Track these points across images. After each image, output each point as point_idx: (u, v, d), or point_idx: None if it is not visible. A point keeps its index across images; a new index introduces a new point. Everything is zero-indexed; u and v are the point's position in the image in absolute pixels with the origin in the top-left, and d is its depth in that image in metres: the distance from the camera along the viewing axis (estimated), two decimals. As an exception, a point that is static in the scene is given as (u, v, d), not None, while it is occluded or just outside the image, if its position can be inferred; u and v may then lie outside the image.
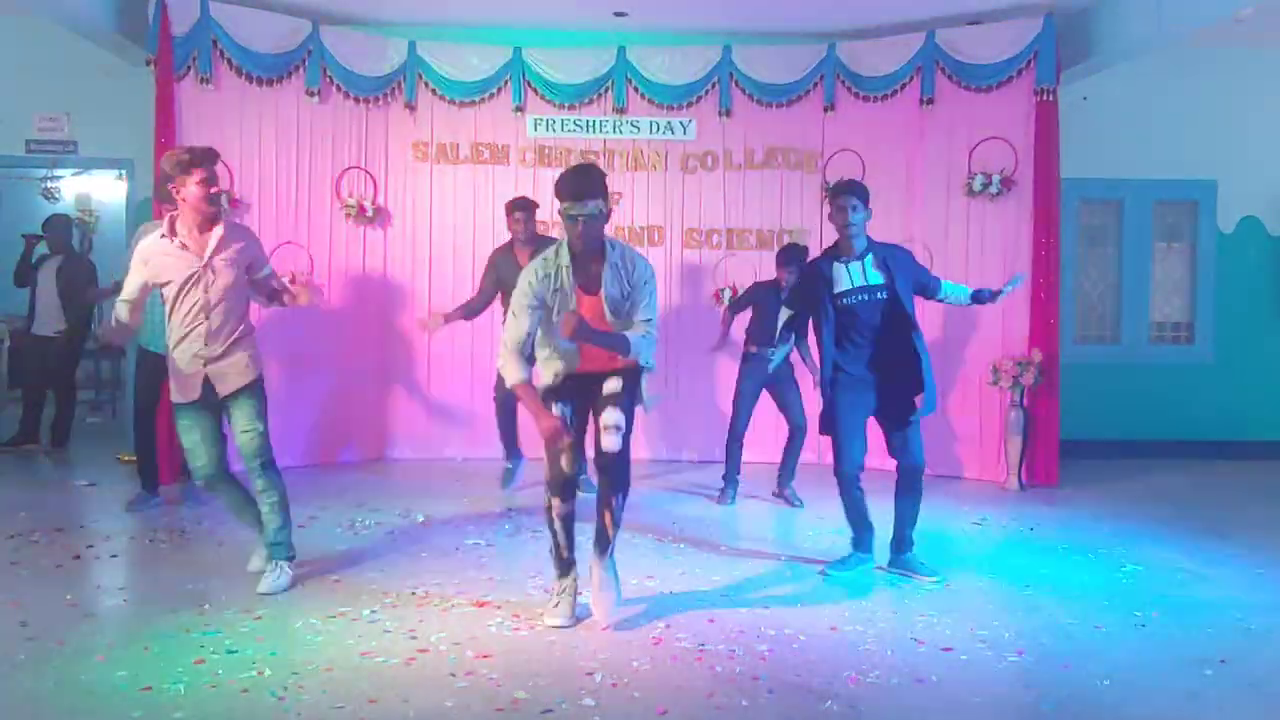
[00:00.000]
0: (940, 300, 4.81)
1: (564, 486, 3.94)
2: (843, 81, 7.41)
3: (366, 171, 7.41)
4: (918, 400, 4.58)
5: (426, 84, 7.43)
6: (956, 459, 7.19)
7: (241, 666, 3.49)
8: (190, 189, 4.16)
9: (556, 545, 4.04)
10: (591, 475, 4.36)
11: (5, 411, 8.74)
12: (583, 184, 3.76)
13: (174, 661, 3.52)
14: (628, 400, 3.95)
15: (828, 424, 4.69)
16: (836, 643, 3.86)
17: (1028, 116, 6.98)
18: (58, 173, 10.00)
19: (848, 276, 4.60)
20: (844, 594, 4.49)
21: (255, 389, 4.36)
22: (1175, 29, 6.34)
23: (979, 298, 4.81)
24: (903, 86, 7.26)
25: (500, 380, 6.16)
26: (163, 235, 4.22)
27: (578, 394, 3.99)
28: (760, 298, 6.17)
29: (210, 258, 4.22)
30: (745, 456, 6.29)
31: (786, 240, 7.40)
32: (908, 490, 4.70)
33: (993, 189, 7.05)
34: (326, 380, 7.28)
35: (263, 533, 4.46)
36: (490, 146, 7.53)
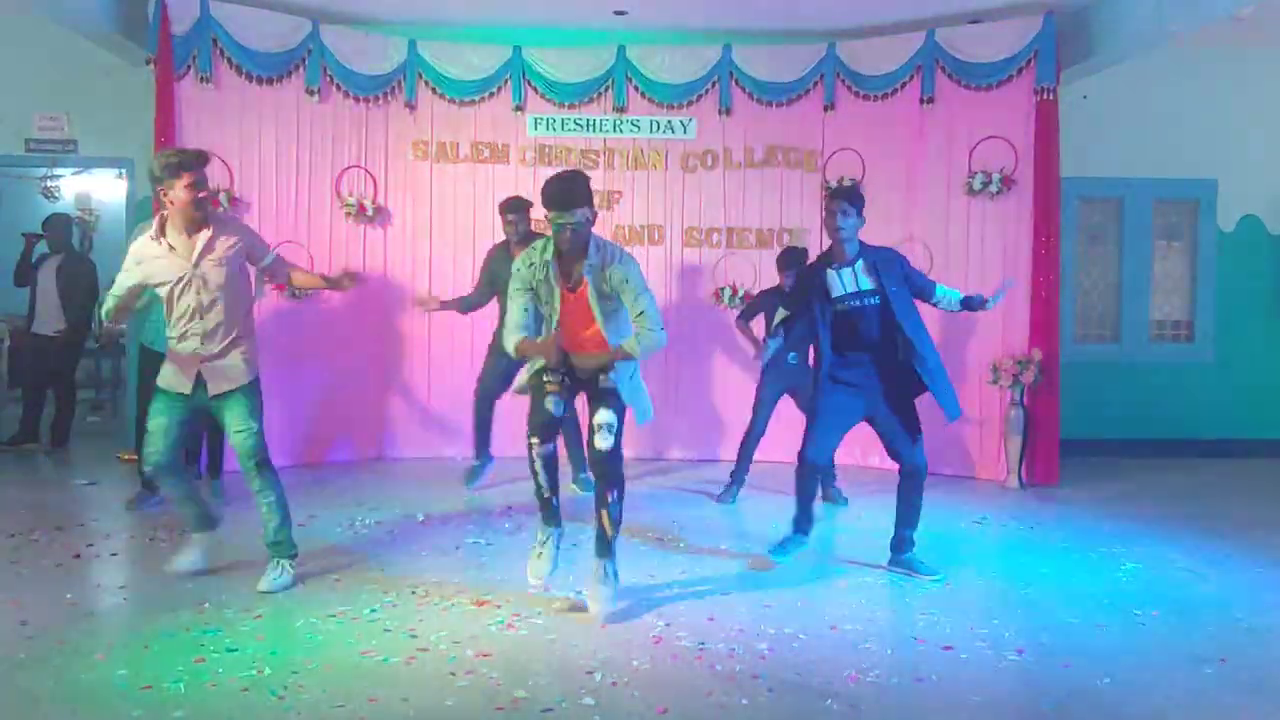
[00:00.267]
0: (935, 304, 4.79)
1: (544, 427, 4.09)
2: (843, 80, 7.40)
3: (366, 170, 7.40)
4: (917, 401, 4.61)
5: (426, 83, 7.43)
6: (957, 458, 7.18)
7: (242, 665, 3.49)
8: (178, 193, 4.10)
9: (539, 486, 4.18)
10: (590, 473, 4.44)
11: (5, 410, 8.74)
12: (569, 195, 3.92)
13: (174, 660, 3.53)
14: (618, 400, 4.09)
15: (810, 413, 4.79)
16: (836, 641, 3.86)
17: (1028, 115, 6.98)
18: (58, 172, 10.02)
19: (840, 282, 4.63)
20: (844, 593, 4.50)
21: (249, 389, 4.34)
22: (1176, 28, 6.33)
23: (969, 304, 4.80)
24: (903, 85, 7.25)
25: (483, 373, 6.24)
26: (153, 237, 4.19)
27: (570, 383, 4.15)
28: (766, 305, 6.18)
29: (198, 261, 4.18)
30: (755, 456, 6.29)
31: (787, 240, 7.42)
32: (909, 492, 4.72)
33: (993, 188, 7.05)
34: (326, 379, 7.28)
35: (196, 530, 4.46)
36: (490, 145, 7.53)
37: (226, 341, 4.27)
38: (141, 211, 7.40)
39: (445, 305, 6.35)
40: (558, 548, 4.27)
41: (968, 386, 7.14)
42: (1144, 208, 8.25)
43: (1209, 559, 5.08)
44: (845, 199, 4.63)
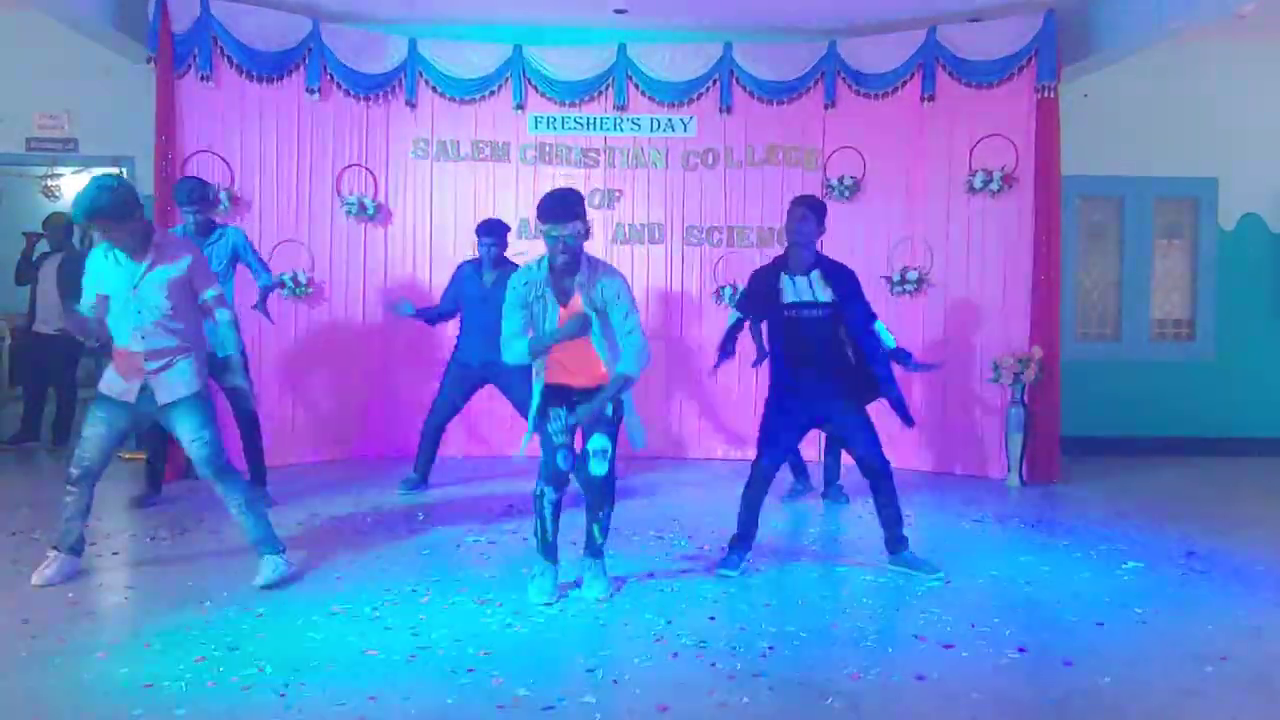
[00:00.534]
0: (866, 337, 4.66)
1: (556, 478, 4.21)
2: (843, 79, 7.40)
3: (367, 169, 7.40)
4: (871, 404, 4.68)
5: (427, 81, 7.43)
6: (957, 456, 7.18)
7: (243, 664, 3.49)
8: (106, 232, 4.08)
9: (543, 529, 4.26)
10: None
11: (6, 409, 8.75)
12: (563, 208, 4.05)
13: (175, 659, 3.53)
14: (613, 426, 4.23)
15: (763, 423, 4.77)
16: (837, 639, 3.86)
17: (1028, 113, 6.98)
18: (58, 170, 10.00)
19: (793, 288, 4.67)
20: (845, 591, 4.50)
21: (196, 400, 4.34)
22: (1176, 25, 6.33)
23: (897, 355, 4.85)
24: (903, 84, 7.25)
25: (436, 403, 6.28)
26: (105, 252, 4.21)
27: (567, 405, 4.23)
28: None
29: (139, 282, 4.19)
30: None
31: (787, 240, 7.41)
32: (880, 493, 4.73)
33: (993, 186, 7.05)
34: (326, 377, 7.28)
35: (67, 550, 4.44)
36: (491, 144, 7.53)
37: (169, 356, 4.28)
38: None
39: (419, 313, 6.35)
40: (556, 576, 4.31)
41: (968, 384, 7.15)
42: (1145, 206, 8.24)
43: (1209, 557, 5.08)
44: (807, 205, 4.70)
